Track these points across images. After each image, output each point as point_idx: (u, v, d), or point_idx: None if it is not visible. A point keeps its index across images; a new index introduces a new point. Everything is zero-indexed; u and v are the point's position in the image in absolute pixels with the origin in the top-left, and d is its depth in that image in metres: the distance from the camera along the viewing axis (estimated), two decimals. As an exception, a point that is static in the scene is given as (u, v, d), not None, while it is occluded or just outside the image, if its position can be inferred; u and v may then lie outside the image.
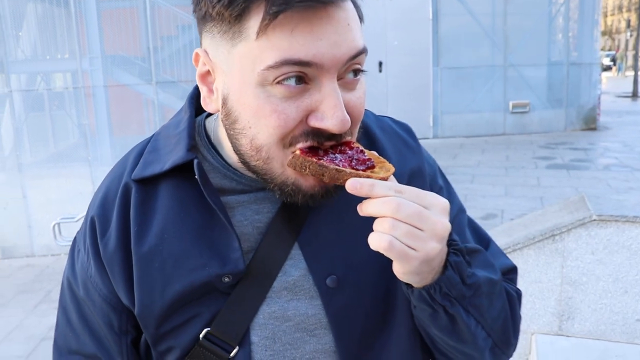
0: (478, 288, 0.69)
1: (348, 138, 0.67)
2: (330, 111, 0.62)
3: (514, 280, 0.87)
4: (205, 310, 0.72)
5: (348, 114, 0.64)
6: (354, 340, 0.73)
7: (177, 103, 7.45)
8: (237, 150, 0.70)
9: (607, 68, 32.35)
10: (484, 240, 0.88)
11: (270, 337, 0.73)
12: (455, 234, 0.81)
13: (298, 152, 0.64)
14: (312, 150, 0.64)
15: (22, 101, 7.52)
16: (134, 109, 8.10)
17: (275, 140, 0.64)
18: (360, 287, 0.74)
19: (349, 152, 0.65)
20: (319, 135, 0.64)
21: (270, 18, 0.59)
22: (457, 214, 0.86)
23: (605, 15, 40.01)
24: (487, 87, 8.06)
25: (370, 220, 0.70)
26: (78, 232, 0.84)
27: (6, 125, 7.37)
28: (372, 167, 0.65)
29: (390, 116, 0.90)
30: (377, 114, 0.89)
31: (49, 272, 6.47)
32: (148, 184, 0.75)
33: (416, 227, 0.61)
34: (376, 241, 0.62)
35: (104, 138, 7.41)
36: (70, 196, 7.17)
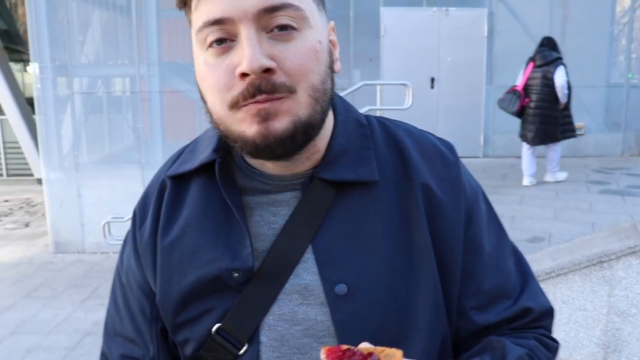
0: None
1: (284, 93, 0.67)
2: (244, 55, 0.65)
3: (548, 327, 0.84)
4: (218, 306, 0.74)
5: (281, 64, 0.66)
6: None
7: (229, 111, 7.60)
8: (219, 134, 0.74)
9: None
10: (525, 275, 0.84)
11: (278, 339, 0.73)
12: (494, 266, 0.80)
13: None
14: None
15: (83, 103, 7.83)
16: (187, 115, 8.31)
17: (221, 104, 0.68)
18: (372, 298, 0.73)
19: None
20: (254, 87, 0.66)
21: None
22: (498, 245, 0.82)
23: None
24: (541, 107, 7.89)
25: (388, 230, 0.70)
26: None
27: (66, 126, 7.69)
28: None
29: (432, 133, 0.87)
30: (423, 130, 0.87)
31: (98, 269, 6.69)
32: (181, 181, 0.80)
33: None
34: None
35: (157, 142, 7.64)
36: (121, 197, 7.40)
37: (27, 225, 8.65)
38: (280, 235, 0.74)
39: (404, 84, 5.21)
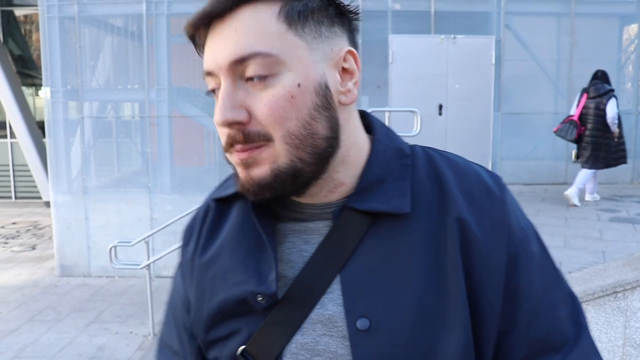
0: None
1: (261, 142, 0.68)
2: (217, 107, 0.68)
3: None
4: (244, 328, 0.74)
5: (254, 114, 0.67)
6: None
7: (237, 136, 7.64)
8: None
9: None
10: (580, 328, 0.76)
11: None
12: (542, 316, 0.74)
13: None
14: None
15: (92, 127, 7.90)
16: (196, 140, 8.35)
17: (222, 144, 0.71)
18: (395, 337, 0.69)
19: None
20: (231, 138, 0.69)
21: (195, 42, 0.72)
22: (549, 292, 0.75)
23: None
24: (549, 134, 7.87)
25: (419, 267, 0.67)
26: None
27: (76, 150, 7.74)
28: None
29: (482, 166, 0.82)
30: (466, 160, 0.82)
31: (103, 293, 6.65)
32: (224, 203, 0.82)
33: None
34: None
35: (165, 167, 7.66)
36: (128, 221, 7.41)
37: (33, 248, 8.65)
38: (309, 264, 0.73)
39: (412, 111, 5.21)
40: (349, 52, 0.72)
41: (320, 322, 0.72)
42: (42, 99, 8.41)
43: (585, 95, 6.44)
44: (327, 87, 0.70)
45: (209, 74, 0.70)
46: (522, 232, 0.75)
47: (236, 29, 0.67)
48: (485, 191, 0.75)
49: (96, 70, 8.35)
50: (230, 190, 0.81)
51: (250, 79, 0.67)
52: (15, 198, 12.14)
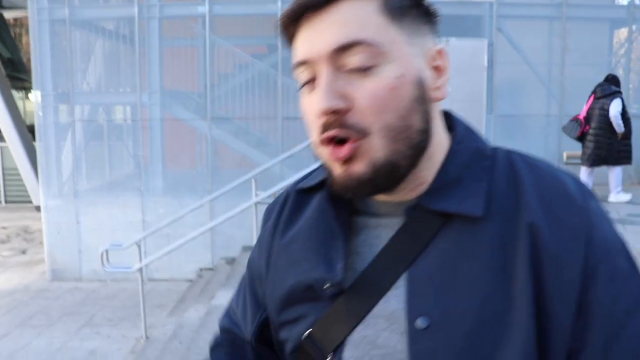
0: None
1: (356, 136, 0.68)
2: (318, 95, 0.69)
3: None
4: (311, 313, 0.78)
5: (354, 104, 0.67)
6: None
7: (230, 139, 7.62)
8: None
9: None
10: None
11: (358, 358, 0.73)
12: (627, 339, 0.67)
13: None
14: None
15: (84, 131, 7.86)
16: (188, 143, 8.33)
17: (313, 139, 0.72)
18: (453, 339, 0.68)
19: None
20: (326, 126, 0.69)
21: (288, 34, 0.73)
22: (634, 311, 0.68)
23: (668, 70, 38.93)
24: (542, 136, 7.91)
25: (486, 272, 0.68)
26: None
27: (67, 153, 7.69)
28: None
29: (571, 174, 0.77)
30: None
31: (94, 297, 6.60)
32: (306, 193, 0.86)
33: None
34: None
35: (157, 170, 7.62)
36: (120, 224, 7.36)
37: (24, 252, 8.58)
38: (378, 259, 0.75)
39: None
40: (439, 50, 0.74)
41: (383, 317, 0.73)
42: (33, 102, 8.35)
43: (592, 96, 6.65)
44: (423, 82, 0.71)
45: (304, 63, 0.70)
46: (606, 246, 0.70)
47: (337, 20, 0.68)
48: (565, 199, 0.71)
49: (87, 73, 8.31)
50: (313, 182, 0.84)
51: (352, 68, 0.68)
52: (6, 202, 12.06)
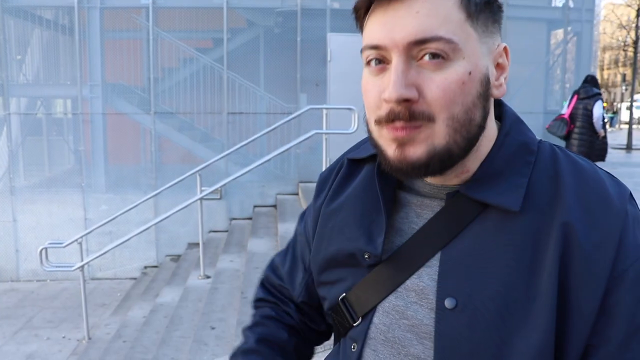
0: None
1: (422, 121, 0.70)
2: (389, 83, 0.70)
3: None
4: (349, 278, 0.85)
5: (424, 94, 0.70)
6: None
7: (175, 134, 7.49)
8: None
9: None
10: None
11: (387, 325, 0.80)
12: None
13: None
14: None
15: (20, 125, 7.54)
16: (131, 138, 8.12)
17: (371, 118, 0.75)
18: (477, 321, 0.72)
19: None
20: (393, 114, 0.71)
21: (364, 13, 0.74)
22: None
23: (602, 69, 40.79)
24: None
25: (515, 264, 0.71)
26: None
27: (2, 148, 7.37)
28: None
29: (612, 175, 0.79)
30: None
31: (33, 298, 6.36)
32: (356, 163, 0.91)
33: None
34: None
35: (99, 165, 7.41)
36: (61, 222, 7.12)
37: (-44, 252, 8.16)
38: (416, 236, 0.80)
39: (349, 109, 5.26)
40: (505, 48, 0.77)
41: (414, 291, 0.78)
42: (-36, 94, 7.95)
43: (576, 97, 6.98)
44: (488, 79, 0.74)
45: (376, 47, 0.71)
46: (636, 252, 0.71)
47: (418, 10, 0.69)
48: (603, 199, 0.73)
49: (24, 64, 7.97)
50: (364, 153, 0.88)
51: (427, 57, 0.69)
52: None
